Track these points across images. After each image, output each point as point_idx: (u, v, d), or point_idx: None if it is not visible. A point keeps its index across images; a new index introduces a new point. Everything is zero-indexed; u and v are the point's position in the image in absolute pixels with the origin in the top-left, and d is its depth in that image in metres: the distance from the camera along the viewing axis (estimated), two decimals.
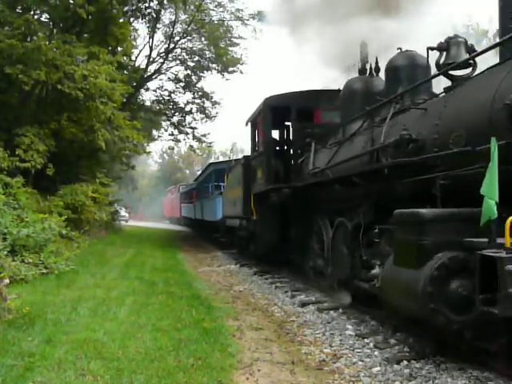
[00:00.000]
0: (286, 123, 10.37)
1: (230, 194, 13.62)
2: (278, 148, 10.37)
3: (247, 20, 24.35)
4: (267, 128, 9.88)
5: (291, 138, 9.76)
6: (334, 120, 8.54)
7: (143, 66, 24.01)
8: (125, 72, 19.91)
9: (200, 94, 26.23)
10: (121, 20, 17.47)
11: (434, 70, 5.52)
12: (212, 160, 45.39)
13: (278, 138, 10.89)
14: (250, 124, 11.36)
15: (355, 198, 6.25)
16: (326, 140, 7.89)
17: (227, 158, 26.01)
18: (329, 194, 7.13)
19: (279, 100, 9.71)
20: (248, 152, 13.83)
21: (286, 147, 10.36)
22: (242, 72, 25.19)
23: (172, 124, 27.25)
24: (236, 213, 12.45)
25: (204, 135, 27.15)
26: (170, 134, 28.01)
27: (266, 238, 9.91)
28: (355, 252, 6.09)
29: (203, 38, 24.40)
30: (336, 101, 8.22)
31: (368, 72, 7.58)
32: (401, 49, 6.29)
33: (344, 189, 6.45)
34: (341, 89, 8.05)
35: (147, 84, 25.13)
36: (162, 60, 24.84)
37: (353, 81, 7.70)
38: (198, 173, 35.71)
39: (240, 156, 18.90)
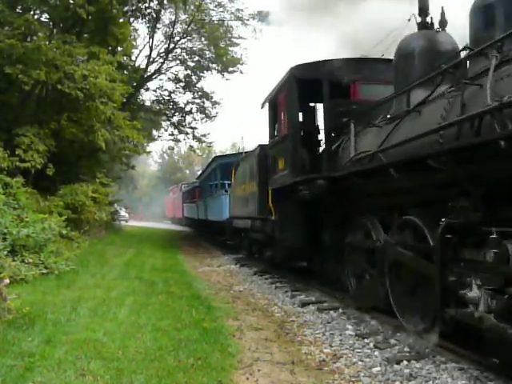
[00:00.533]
0: (311, 104, 8.74)
1: (240, 191, 12.14)
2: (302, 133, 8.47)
3: (247, 20, 24.41)
4: (293, 106, 7.89)
5: (323, 117, 7.81)
6: (375, 96, 6.90)
7: (143, 66, 24.05)
8: (125, 72, 19.91)
9: (200, 94, 26.25)
10: (121, 20, 17.47)
11: None
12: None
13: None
14: (267, 105, 9.50)
15: (433, 189, 4.69)
16: (368, 120, 6.43)
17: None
18: (383, 184, 5.51)
19: (308, 70, 7.76)
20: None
21: (309, 132, 8.46)
22: (242, 72, 25.23)
23: (172, 124, 27.28)
24: (248, 212, 11.04)
25: (204, 135, 27.19)
26: (170, 134, 28.06)
27: (288, 242, 8.25)
28: (447, 267, 4.20)
29: (203, 38, 24.41)
30: (379, 72, 6.91)
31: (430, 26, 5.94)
32: None
33: (411, 177, 4.81)
34: (385, 57, 6.91)
35: (147, 84, 25.18)
36: (162, 60, 24.87)
37: (412, 38, 5.96)
38: (199, 173, 35.25)
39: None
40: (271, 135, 9.31)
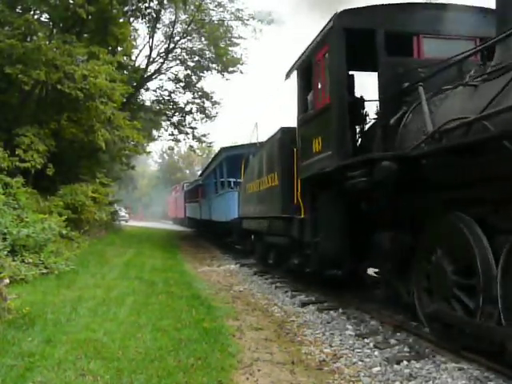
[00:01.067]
0: (350, 72, 6.80)
1: (253, 187, 10.57)
2: None
3: (247, 20, 24.46)
4: (339, 63, 6.01)
5: (378, 81, 5.82)
6: (446, 55, 5.31)
7: (143, 66, 24.08)
8: (125, 72, 19.92)
9: (200, 94, 26.28)
10: (121, 20, 17.47)
11: None
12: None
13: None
14: (295, 73, 7.84)
15: None
16: (439, 84, 5.05)
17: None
18: (490, 166, 3.97)
19: (359, 18, 6.01)
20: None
21: (350, 104, 6.35)
22: (242, 72, 25.28)
23: (172, 124, 27.32)
24: (264, 211, 9.47)
25: (204, 135, 27.24)
26: (170, 134, 28.13)
27: (324, 246, 6.61)
28: None
29: (203, 38, 24.44)
30: (454, 23, 5.51)
31: None
32: None
33: None
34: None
35: (147, 84, 25.20)
36: (162, 60, 24.90)
37: None
38: (199, 173, 34.87)
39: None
40: (301, 110, 7.52)
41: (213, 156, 21.08)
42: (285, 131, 8.39)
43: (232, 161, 14.87)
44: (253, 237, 11.96)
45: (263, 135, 10.02)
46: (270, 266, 10.49)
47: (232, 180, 15.39)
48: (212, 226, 19.42)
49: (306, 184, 7.31)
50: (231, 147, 17.01)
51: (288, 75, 8.18)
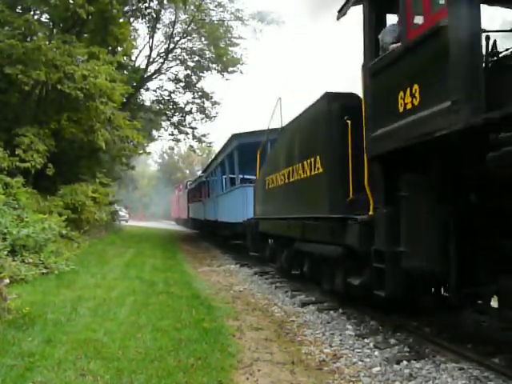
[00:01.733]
0: None
1: (277, 180, 8.51)
2: None
3: (247, 20, 24.50)
4: None
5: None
6: None
7: (143, 66, 24.11)
8: (125, 72, 19.94)
9: (200, 94, 26.31)
10: (121, 20, 17.47)
11: None
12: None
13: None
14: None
15: None
16: None
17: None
18: None
19: None
20: None
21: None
22: (241, 72, 25.31)
23: (172, 124, 27.37)
24: (295, 210, 7.38)
25: (204, 135, 27.26)
26: (170, 134, 28.19)
27: (415, 258, 4.42)
28: None
29: (203, 38, 24.47)
30: None
31: None
32: None
33: None
34: None
35: (147, 84, 25.24)
36: (162, 60, 24.93)
37: None
38: (199, 173, 34.50)
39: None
40: (372, 54, 5.15)
41: (222, 146, 17.36)
42: (332, 97, 6.06)
43: (245, 151, 12.62)
44: (270, 241, 9.88)
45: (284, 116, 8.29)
46: (301, 282, 8.32)
47: (240, 176, 13.99)
48: (218, 227, 17.44)
49: (378, 165, 5.05)
50: (245, 134, 13.63)
51: (343, 12, 5.72)
